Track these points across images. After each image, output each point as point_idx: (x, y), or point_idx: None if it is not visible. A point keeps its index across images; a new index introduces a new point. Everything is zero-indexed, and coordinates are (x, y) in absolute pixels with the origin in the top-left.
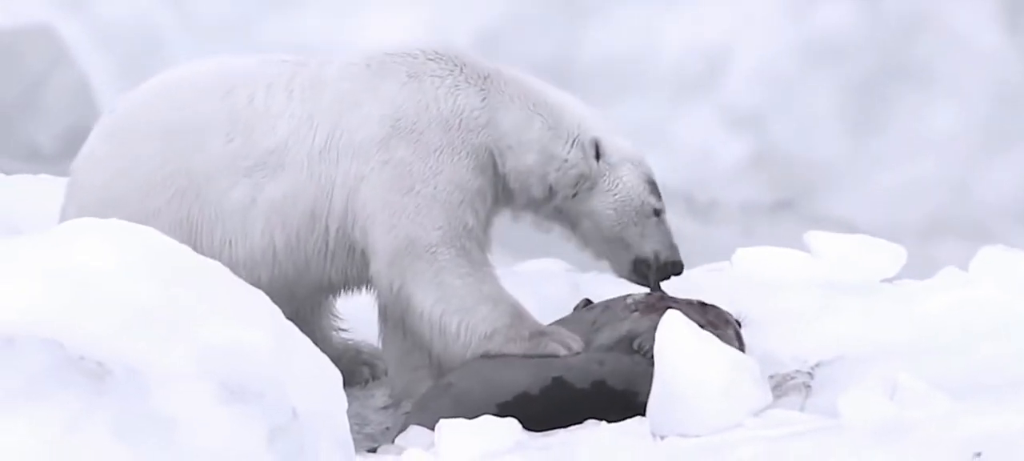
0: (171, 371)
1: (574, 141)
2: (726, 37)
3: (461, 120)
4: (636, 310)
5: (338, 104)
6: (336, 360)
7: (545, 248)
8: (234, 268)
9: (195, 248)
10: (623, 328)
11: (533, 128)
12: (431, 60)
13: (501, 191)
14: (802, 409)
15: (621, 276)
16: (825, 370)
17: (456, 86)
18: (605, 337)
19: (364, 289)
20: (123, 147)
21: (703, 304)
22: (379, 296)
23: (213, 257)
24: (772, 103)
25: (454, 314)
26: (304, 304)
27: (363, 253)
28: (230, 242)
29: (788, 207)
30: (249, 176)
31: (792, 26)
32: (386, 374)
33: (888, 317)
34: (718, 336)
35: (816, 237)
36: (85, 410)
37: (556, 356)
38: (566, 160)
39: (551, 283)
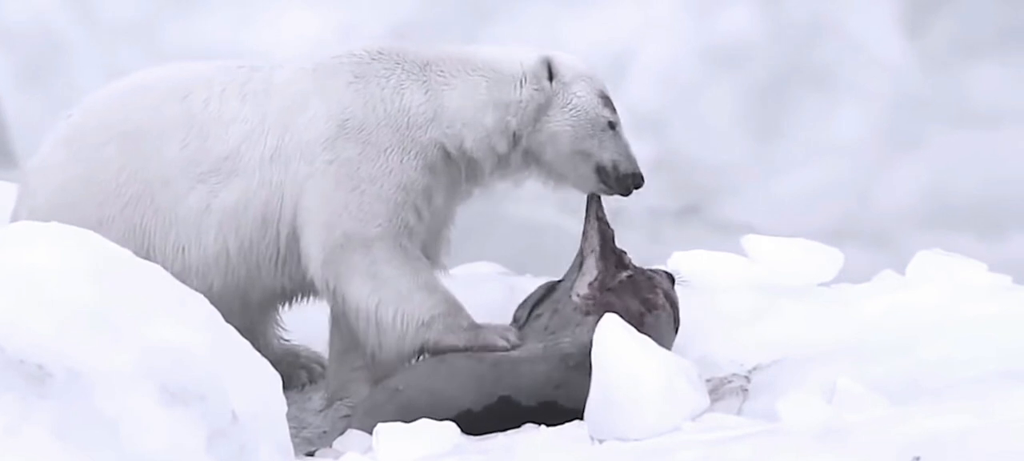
0: (112, 374)
1: (522, 79)
2: (627, 40)
3: (408, 119)
4: (588, 312)
5: (287, 107)
6: (275, 363)
7: (479, 252)
8: (186, 274)
9: (148, 255)
10: (583, 337)
11: (480, 90)
12: (375, 60)
13: (464, 175)
14: (740, 413)
15: (588, 190)
16: (763, 374)
17: (400, 84)
18: (568, 345)
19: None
20: (80, 153)
21: (636, 283)
22: (321, 296)
23: (165, 264)
24: (674, 107)
25: (390, 304)
26: (257, 311)
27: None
28: (183, 248)
29: (693, 213)
30: (204, 182)
31: (693, 30)
32: (322, 377)
33: (826, 320)
34: (654, 319)
35: (752, 240)
36: (25, 413)
37: (495, 348)
38: (520, 101)
39: (485, 286)
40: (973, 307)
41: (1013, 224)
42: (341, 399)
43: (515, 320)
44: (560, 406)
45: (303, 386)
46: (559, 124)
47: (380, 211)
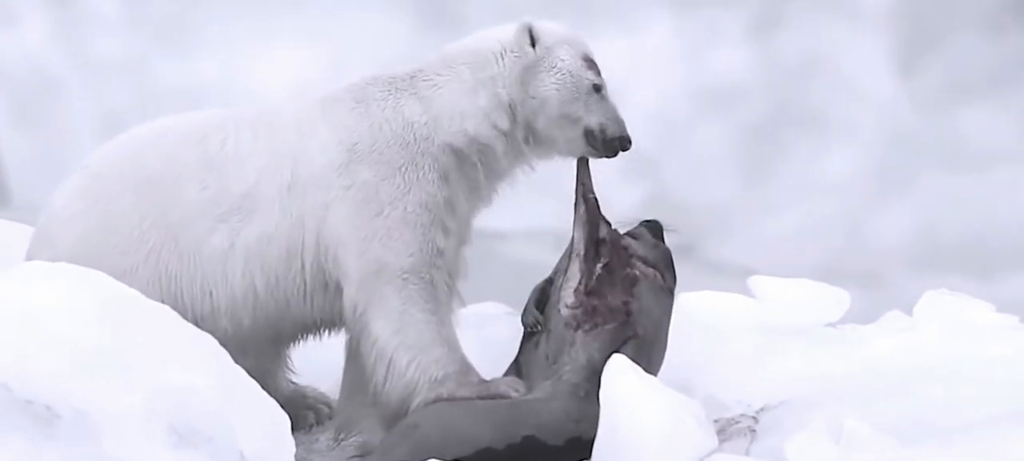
0: (120, 415)
1: (502, 52)
2: (621, 80)
3: (414, 133)
4: (577, 326)
5: (296, 138)
6: (283, 405)
7: (481, 292)
8: (215, 315)
9: (174, 300)
10: (580, 358)
11: (465, 77)
12: (370, 84)
13: (483, 172)
14: (747, 453)
15: (577, 155)
16: (770, 414)
17: (397, 102)
18: (569, 373)
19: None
20: (96, 204)
21: (612, 269)
22: (345, 320)
23: (194, 307)
24: (666, 147)
25: (408, 350)
26: (288, 344)
27: (338, 286)
28: (210, 291)
29: (687, 252)
30: (225, 221)
31: (685, 70)
32: (329, 419)
33: (833, 361)
34: (637, 302)
35: (758, 281)
36: (33, 454)
37: (507, 397)
38: (504, 71)
39: (492, 326)
40: (981, 348)
41: (1004, 266)
42: (346, 435)
43: (526, 326)
44: (585, 440)
45: (310, 427)
46: (546, 88)
47: (409, 238)
